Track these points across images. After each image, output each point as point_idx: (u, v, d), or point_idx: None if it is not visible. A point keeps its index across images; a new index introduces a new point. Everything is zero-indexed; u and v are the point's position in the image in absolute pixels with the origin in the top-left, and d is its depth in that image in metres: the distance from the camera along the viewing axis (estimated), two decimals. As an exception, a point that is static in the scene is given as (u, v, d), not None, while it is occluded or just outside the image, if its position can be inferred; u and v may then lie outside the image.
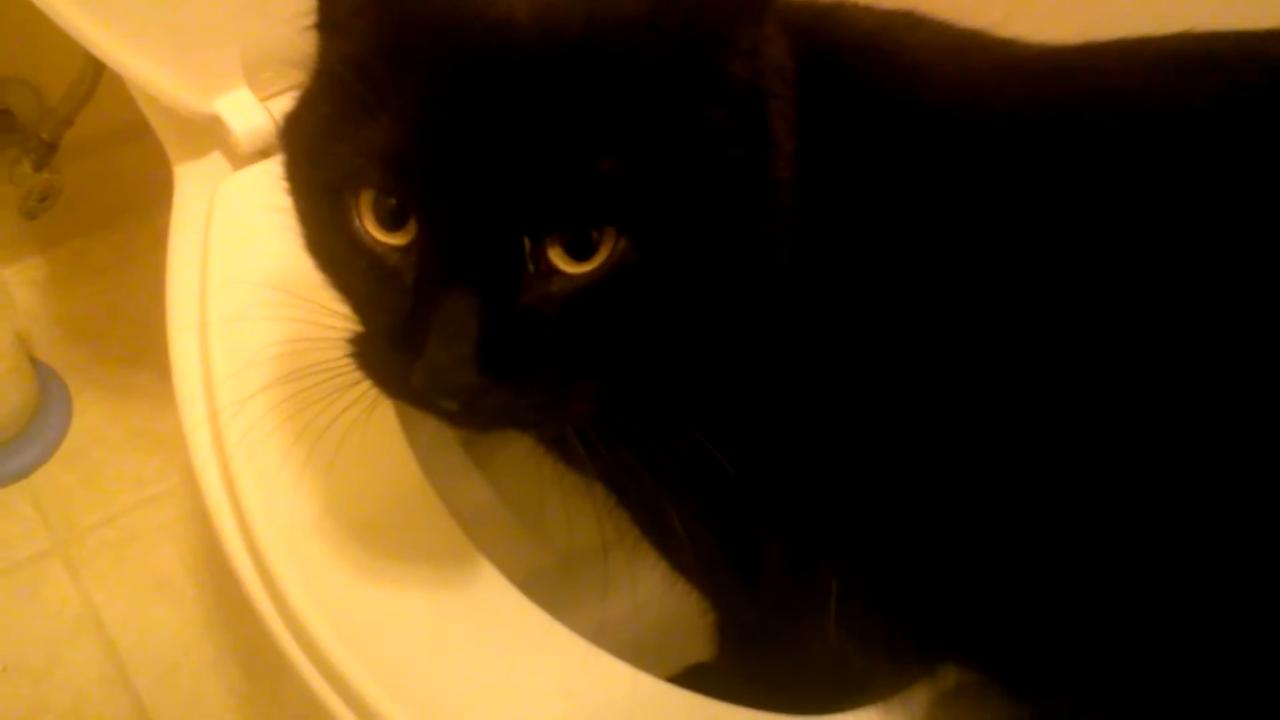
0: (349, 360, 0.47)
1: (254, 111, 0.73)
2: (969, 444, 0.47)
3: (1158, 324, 0.43)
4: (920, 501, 0.49)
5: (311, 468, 0.60)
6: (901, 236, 0.47)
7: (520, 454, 0.59)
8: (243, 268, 0.68)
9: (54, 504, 1.11)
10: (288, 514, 0.60)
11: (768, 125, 0.45)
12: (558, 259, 0.42)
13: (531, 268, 0.42)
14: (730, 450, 0.48)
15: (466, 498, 0.76)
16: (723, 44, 0.43)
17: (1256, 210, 0.43)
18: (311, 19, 0.47)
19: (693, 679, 0.63)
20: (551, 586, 0.65)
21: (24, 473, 1.12)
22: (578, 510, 0.59)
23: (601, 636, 0.58)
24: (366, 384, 0.47)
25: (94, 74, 1.02)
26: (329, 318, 0.49)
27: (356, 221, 0.44)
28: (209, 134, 0.76)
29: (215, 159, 0.77)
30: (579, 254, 0.42)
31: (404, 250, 0.44)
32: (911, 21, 0.52)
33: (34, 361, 1.16)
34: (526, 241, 0.42)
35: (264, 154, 0.74)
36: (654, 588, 0.63)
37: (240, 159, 0.75)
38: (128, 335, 1.22)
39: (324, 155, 0.45)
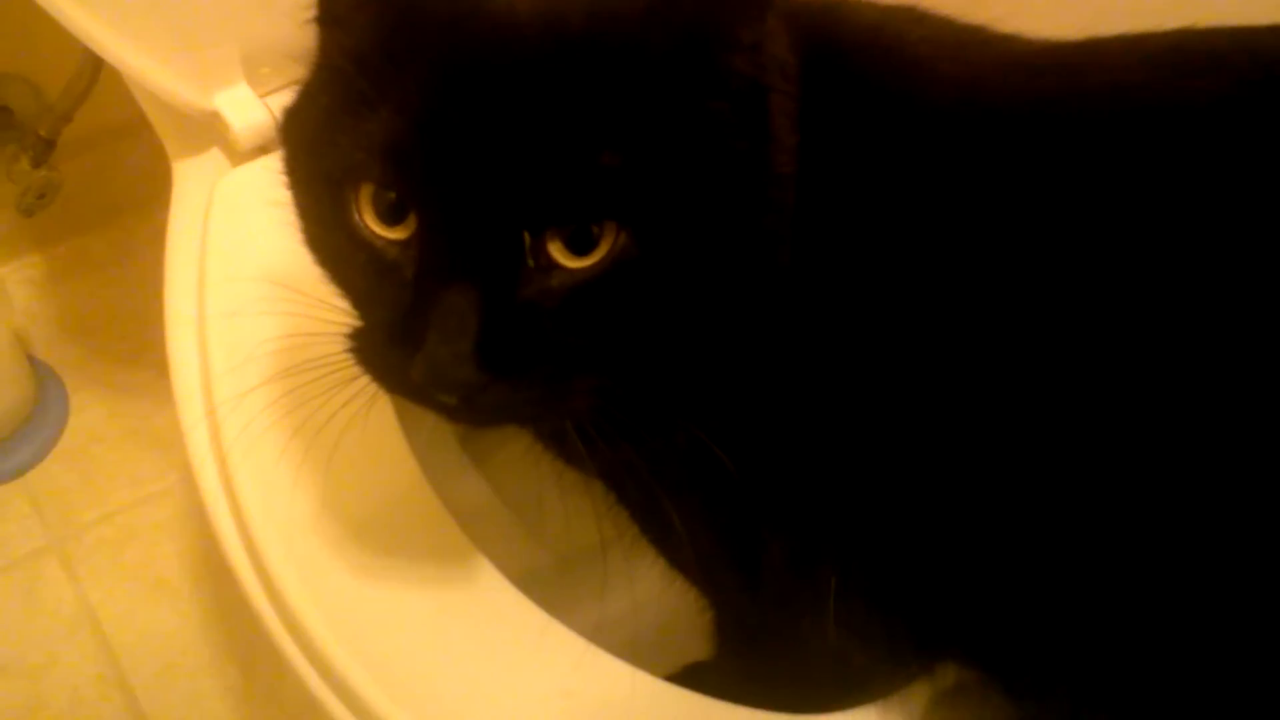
0: (347, 355, 0.47)
1: (253, 107, 0.73)
2: (969, 441, 0.47)
3: (1160, 321, 0.43)
4: (921, 499, 0.48)
5: (309, 464, 0.60)
6: (903, 233, 0.47)
7: (519, 451, 0.59)
8: (241, 263, 0.68)
9: (51, 502, 1.11)
10: (285, 511, 0.60)
11: (769, 120, 0.45)
12: (558, 254, 0.42)
13: (531, 262, 0.42)
14: (731, 447, 0.48)
15: (465, 495, 0.76)
16: (725, 38, 0.43)
17: (1257, 206, 0.42)
18: (311, 12, 0.47)
19: (691, 678, 0.63)
20: (550, 585, 0.65)
21: (21, 470, 1.12)
22: (576, 508, 0.59)
23: (600, 635, 0.58)
24: (365, 379, 0.47)
25: (92, 70, 1.02)
26: (328, 313, 0.49)
27: (356, 216, 0.44)
28: (208, 130, 0.76)
29: (214, 155, 0.77)
30: (579, 249, 0.42)
31: (403, 245, 0.43)
32: (913, 17, 0.52)
33: (31, 359, 1.16)
34: (526, 236, 0.41)
35: (263, 150, 0.74)
36: (653, 586, 0.63)
37: (239, 155, 0.75)
38: (125, 333, 1.21)
39: (324, 149, 0.44)
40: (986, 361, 0.46)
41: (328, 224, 0.46)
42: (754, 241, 0.45)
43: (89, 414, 1.17)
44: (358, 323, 0.47)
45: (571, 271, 0.42)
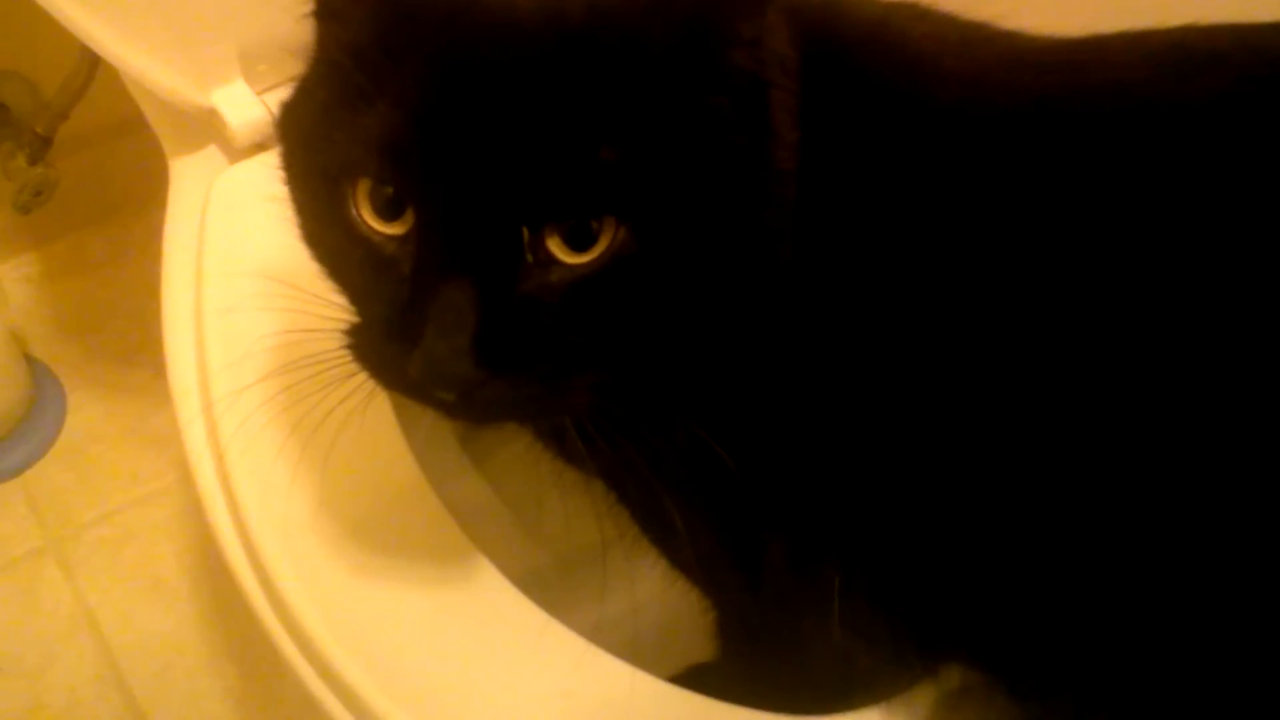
0: (344, 352, 0.47)
1: (250, 104, 0.73)
2: (972, 440, 0.47)
3: (1165, 319, 0.43)
4: (924, 499, 0.48)
5: (307, 462, 0.60)
6: (905, 230, 0.47)
7: (519, 450, 0.59)
8: (238, 259, 0.68)
9: (48, 502, 1.11)
10: (282, 510, 0.60)
11: (769, 115, 0.45)
12: (556, 249, 0.42)
13: (530, 258, 0.42)
14: (732, 445, 0.48)
15: (464, 494, 0.76)
16: (725, 33, 0.42)
17: (1260, 204, 0.42)
18: (309, 6, 0.47)
19: (693, 679, 0.63)
20: (549, 584, 0.65)
21: (18, 470, 1.12)
22: (576, 508, 0.59)
23: (600, 635, 0.58)
24: (362, 376, 0.47)
25: (89, 67, 1.02)
26: (325, 309, 0.49)
27: (353, 211, 0.44)
28: (205, 128, 0.75)
29: (211, 153, 0.77)
30: (578, 244, 0.42)
31: (401, 240, 0.43)
32: (916, 13, 0.52)
33: (28, 358, 1.16)
34: (525, 231, 0.41)
35: (261, 147, 0.74)
36: (653, 586, 0.63)
37: (236, 153, 0.75)
38: (123, 331, 1.21)
39: (321, 143, 0.44)
40: (990, 359, 0.46)
41: (325, 220, 0.46)
42: (754, 238, 0.45)
43: (86, 413, 1.16)
44: (355, 319, 0.47)
45: (570, 267, 0.42)
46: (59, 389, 1.17)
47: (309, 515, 0.59)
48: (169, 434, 1.05)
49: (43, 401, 1.15)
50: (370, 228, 0.44)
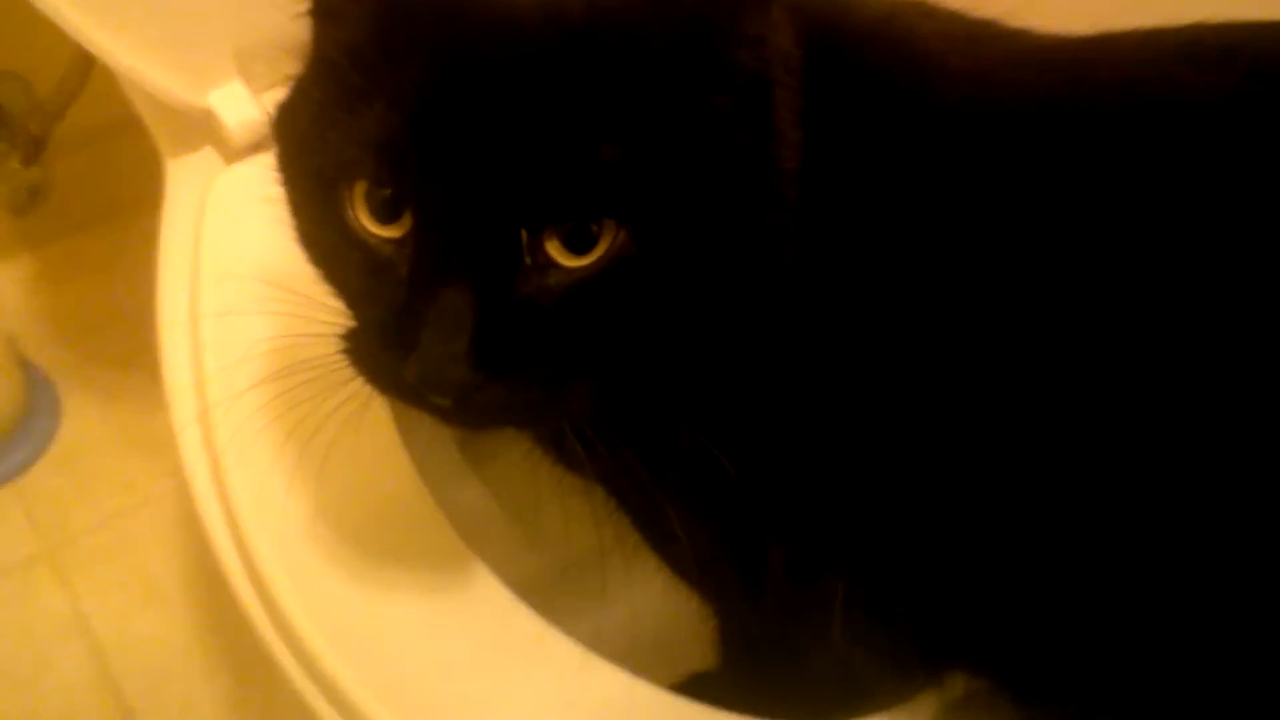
0: (341, 357, 0.46)
1: (247, 105, 0.73)
2: (976, 446, 0.46)
3: (1171, 318, 0.43)
4: (927, 505, 0.48)
5: (303, 468, 0.60)
6: (910, 230, 0.46)
7: (518, 456, 0.59)
8: (235, 263, 0.68)
9: (43, 508, 1.10)
10: (278, 516, 0.59)
11: (773, 115, 0.45)
12: (555, 252, 0.41)
13: (528, 261, 0.41)
14: (733, 451, 0.47)
15: (462, 500, 0.76)
16: (728, 31, 0.42)
17: (1269, 202, 0.42)
18: (305, 5, 0.46)
19: (693, 687, 0.63)
20: (548, 592, 0.64)
21: (12, 476, 1.11)
22: (576, 514, 0.59)
23: (599, 643, 0.57)
24: (359, 381, 0.46)
25: (84, 67, 1.02)
26: (321, 313, 0.48)
27: (350, 213, 0.43)
28: (201, 128, 0.75)
29: (207, 154, 0.76)
30: (577, 247, 0.41)
31: (398, 243, 0.43)
32: (922, 10, 0.51)
33: (22, 362, 1.15)
34: (523, 234, 0.41)
35: (257, 148, 0.74)
36: (653, 594, 0.63)
37: (233, 154, 0.75)
38: (118, 335, 1.20)
39: (317, 144, 0.44)
40: (994, 363, 0.45)
41: (321, 222, 0.45)
42: (757, 239, 0.44)
43: (82, 418, 1.16)
44: (351, 323, 0.47)
45: (569, 270, 0.41)
46: (53, 393, 1.16)
47: (305, 521, 0.59)
48: (165, 440, 1.04)
49: (37, 406, 1.14)
50: (367, 230, 0.43)
